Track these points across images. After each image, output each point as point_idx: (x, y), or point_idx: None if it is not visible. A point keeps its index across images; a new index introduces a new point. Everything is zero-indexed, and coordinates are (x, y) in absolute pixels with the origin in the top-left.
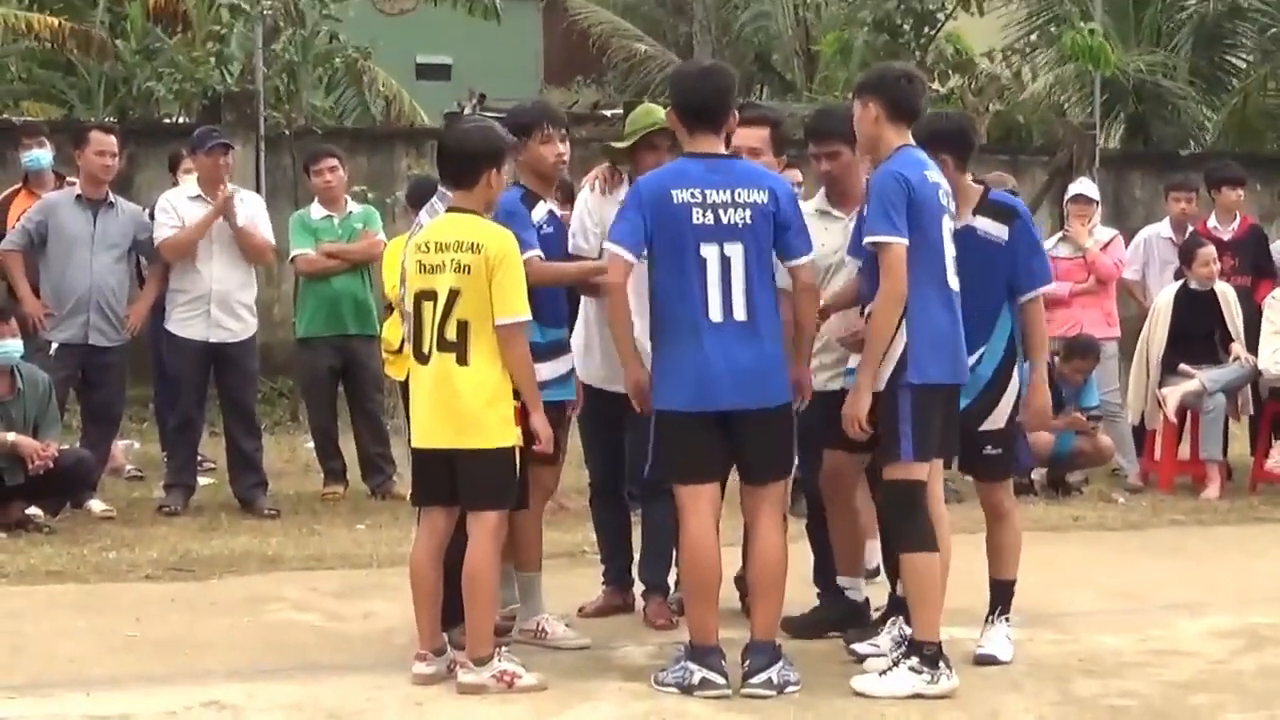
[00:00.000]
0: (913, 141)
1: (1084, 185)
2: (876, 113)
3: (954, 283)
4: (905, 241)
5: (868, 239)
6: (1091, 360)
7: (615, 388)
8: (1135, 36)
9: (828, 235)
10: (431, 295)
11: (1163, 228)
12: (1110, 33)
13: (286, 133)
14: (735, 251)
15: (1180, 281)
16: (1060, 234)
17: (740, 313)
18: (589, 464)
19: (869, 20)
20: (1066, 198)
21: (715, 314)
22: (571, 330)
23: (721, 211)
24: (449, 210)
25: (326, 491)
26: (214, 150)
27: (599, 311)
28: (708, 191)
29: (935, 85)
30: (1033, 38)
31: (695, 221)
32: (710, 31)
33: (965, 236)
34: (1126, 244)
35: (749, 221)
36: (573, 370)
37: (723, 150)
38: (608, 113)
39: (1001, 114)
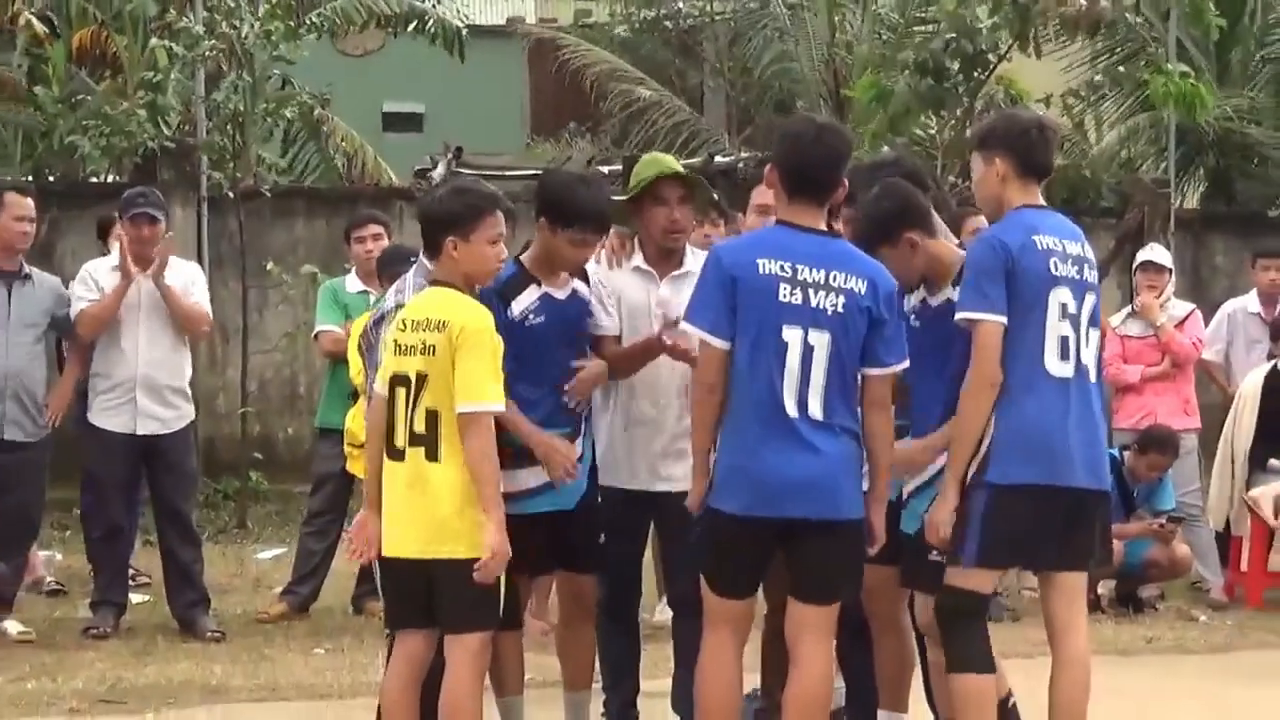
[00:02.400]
0: (1039, 201)
1: (1155, 251)
2: (1003, 170)
3: (1060, 368)
4: (999, 319)
5: (958, 315)
6: (1168, 454)
7: (637, 485)
8: (1219, 80)
9: None
10: (405, 381)
11: (1249, 300)
12: (1202, 71)
13: (231, 194)
14: (820, 341)
15: (1270, 363)
16: (1128, 309)
17: (816, 410)
18: (598, 577)
19: (910, 62)
20: (1135, 265)
21: (790, 408)
22: (577, 431)
23: (812, 292)
24: (431, 283)
25: (274, 613)
26: (137, 220)
27: (615, 399)
28: (800, 267)
29: None
30: (1097, 79)
31: (781, 299)
32: (724, 74)
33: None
34: (1207, 320)
35: (840, 310)
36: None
37: (823, 226)
38: (605, 169)
39: (1064, 169)
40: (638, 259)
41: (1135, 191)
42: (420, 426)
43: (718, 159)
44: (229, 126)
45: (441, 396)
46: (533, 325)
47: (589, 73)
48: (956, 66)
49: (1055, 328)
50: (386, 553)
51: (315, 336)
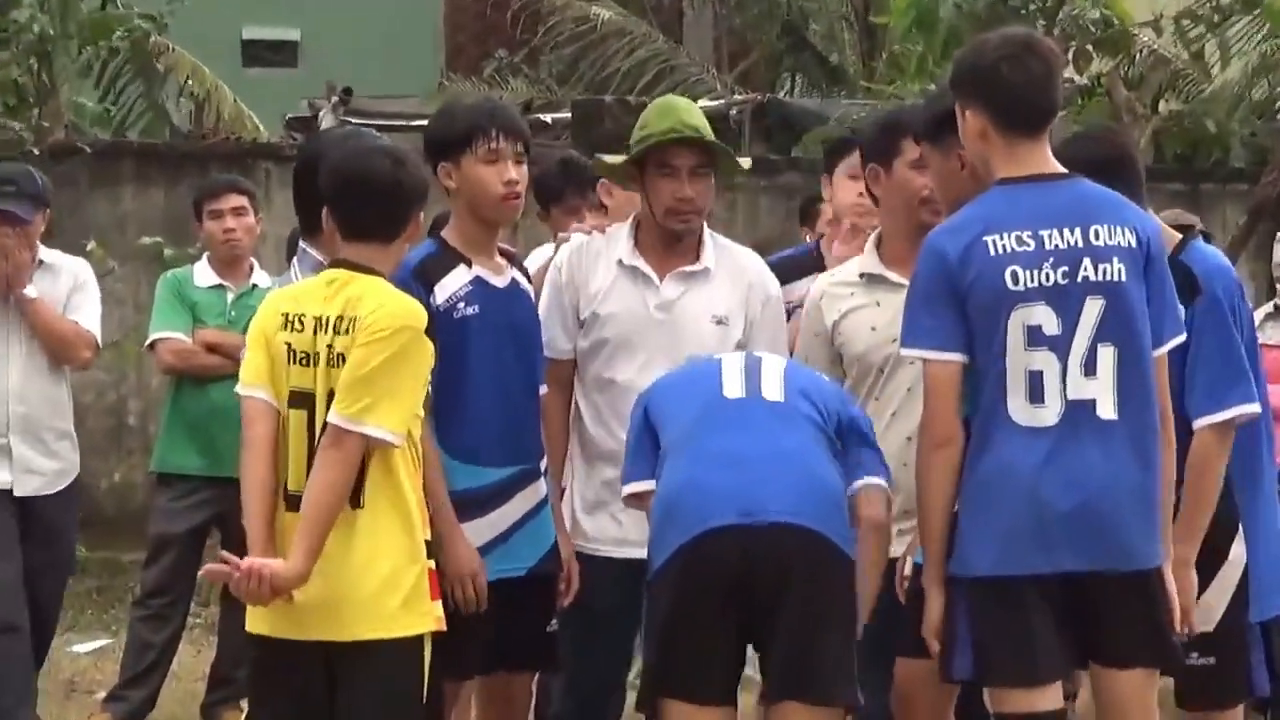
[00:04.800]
0: (1040, 164)
1: None
2: (979, 125)
3: (1030, 414)
4: (945, 357)
5: (902, 351)
6: None
7: (624, 551)
8: None
9: (880, 314)
10: (308, 401)
11: None
12: None
13: (35, 151)
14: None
15: None
16: (1269, 307)
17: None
18: (572, 669)
19: None
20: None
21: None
22: (534, 467)
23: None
24: (335, 264)
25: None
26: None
27: (579, 432)
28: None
29: (1070, 73)
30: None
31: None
32: None
33: None
34: None
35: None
36: (513, 533)
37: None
38: (547, 117)
39: (1178, 117)
40: (622, 249)
41: (1276, 146)
42: None
43: (702, 103)
44: (31, 59)
45: None
46: (465, 317)
47: None
48: None
49: (1020, 360)
50: (266, 631)
51: (151, 345)
